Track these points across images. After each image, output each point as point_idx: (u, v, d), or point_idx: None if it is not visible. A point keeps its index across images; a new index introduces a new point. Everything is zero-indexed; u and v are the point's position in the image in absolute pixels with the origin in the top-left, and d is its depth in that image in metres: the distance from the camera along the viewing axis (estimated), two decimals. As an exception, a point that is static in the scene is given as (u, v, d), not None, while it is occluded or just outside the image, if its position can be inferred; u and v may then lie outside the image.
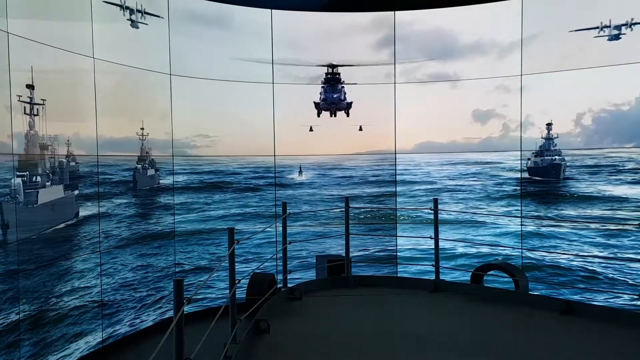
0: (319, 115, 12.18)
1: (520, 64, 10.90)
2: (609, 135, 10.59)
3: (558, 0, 10.82)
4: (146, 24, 9.64)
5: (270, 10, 11.39)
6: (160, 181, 10.48)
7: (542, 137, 11.18)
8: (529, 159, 11.36)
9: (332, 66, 12.11)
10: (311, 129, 12.06)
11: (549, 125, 11.10)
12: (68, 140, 8.27)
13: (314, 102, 12.17)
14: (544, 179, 11.31)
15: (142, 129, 9.90)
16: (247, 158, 11.59)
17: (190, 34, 10.69)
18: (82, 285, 8.32)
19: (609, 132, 10.54)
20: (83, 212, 8.64)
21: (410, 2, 11.89)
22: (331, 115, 12.26)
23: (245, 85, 11.24)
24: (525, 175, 11.34)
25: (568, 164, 11.05)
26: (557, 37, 10.59)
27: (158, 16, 9.91)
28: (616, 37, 9.99)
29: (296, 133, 11.80)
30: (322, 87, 12.16)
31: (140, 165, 10.01)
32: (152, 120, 10.11)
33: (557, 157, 11.12)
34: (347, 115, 12.24)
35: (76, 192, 8.54)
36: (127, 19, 9.33)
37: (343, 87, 12.13)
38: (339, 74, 12.21)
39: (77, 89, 8.44)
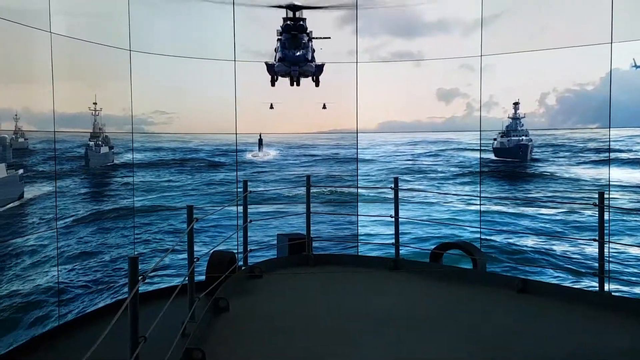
0: (273, 84, 9.70)
1: (480, 45, 10.77)
2: (574, 116, 10.53)
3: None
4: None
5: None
6: (115, 159, 9.91)
7: (508, 117, 11.01)
8: (494, 139, 11.15)
9: (294, 8, 8.91)
10: (271, 107, 10.67)
11: (516, 104, 10.90)
12: (16, 115, 7.78)
13: (266, 65, 9.34)
14: (511, 160, 11.12)
15: (95, 103, 9.30)
16: (207, 136, 11.21)
17: (149, 3, 10.26)
18: (31, 270, 8.02)
19: (574, 112, 10.48)
20: (32, 192, 8.06)
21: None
22: (292, 84, 9.38)
23: (205, 62, 10.88)
24: (491, 156, 11.19)
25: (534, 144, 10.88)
26: (522, 15, 10.42)
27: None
28: None
29: (257, 111, 11.12)
30: (278, 40, 9.05)
31: (92, 143, 9.38)
32: (108, 96, 9.68)
33: (524, 137, 10.90)
34: (317, 84, 9.63)
35: (20, 171, 7.88)
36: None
37: (311, 41, 9.05)
38: (303, 20, 9.03)
39: (31, 63, 8.06)
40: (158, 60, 10.35)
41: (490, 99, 11.04)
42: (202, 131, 11.07)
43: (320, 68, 8.97)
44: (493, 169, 11.34)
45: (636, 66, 10.01)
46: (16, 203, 7.81)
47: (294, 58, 8.63)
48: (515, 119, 11.06)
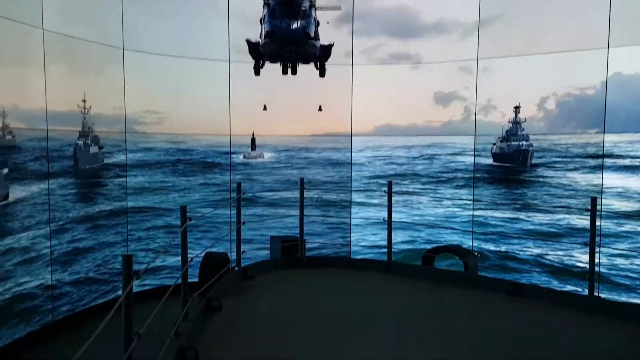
0: (257, 72, 7.38)
1: (477, 48, 10.60)
2: (573, 120, 10.34)
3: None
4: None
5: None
6: (105, 159, 9.59)
7: (508, 121, 10.77)
8: (494, 144, 10.96)
9: None
10: (265, 108, 10.29)
11: (516, 108, 10.66)
12: (3, 112, 7.49)
13: (248, 44, 6.57)
14: (510, 166, 10.85)
15: (84, 101, 8.93)
16: (200, 136, 11.05)
17: (143, 3, 10.20)
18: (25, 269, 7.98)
19: (573, 116, 10.29)
20: (17, 193, 7.70)
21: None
22: (284, 71, 6.65)
23: (199, 62, 10.76)
24: (490, 161, 10.99)
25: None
26: (521, 18, 10.22)
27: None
28: None
29: (249, 110, 10.84)
30: (265, 6, 6.16)
31: (81, 142, 9.04)
32: (99, 94, 9.48)
33: (524, 142, 10.62)
34: (322, 74, 7.08)
35: (5, 170, 7.46)
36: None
37: (314, 10, 6.06)
38: None
39: (21, 59, 7.98)
40: (151, 59, 10.25)
41: (488, 103, 10.81)
42: (194, 131, 10.87)
43: (327, 50, 6.27)
44: (490, 174, 11.21)
45: None
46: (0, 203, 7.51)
47: (288, 33, 5.74)
48: (516, 123, 10.83)
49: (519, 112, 10.77)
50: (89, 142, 9.22)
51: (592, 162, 10.25)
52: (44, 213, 8.26)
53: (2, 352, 7.10)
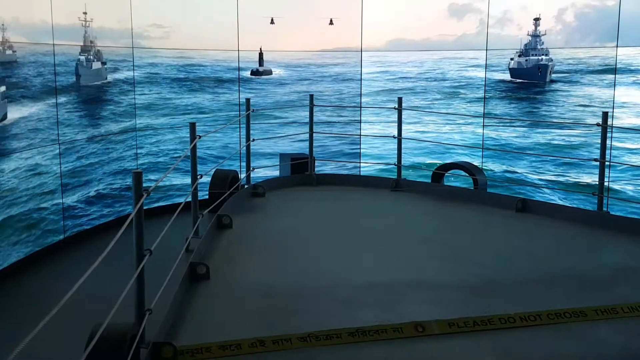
0: None
1: None
2: (592, 33, 9.77)
3: None
4: None
5: None
6: (109, 76, 9.12)
7: (527, 34, 10.17)
8: (511, 59, 10.42)
9: None
10: (272, 22, 10.12)
11: (536, 20, 10.06)
12: (3, 25, 7.09)
13: None
14: (528, 82, 10.32)
15: (85, 13, 8.34)
16: (207, 52, 10.73)
17: None
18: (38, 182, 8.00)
19: (592, 29, 9.70)
20: (15, 113, 7.33)
21: None
22: None
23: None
24: (507, 77, 10.52)
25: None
26: None
27: None
28: None
29: (256, 25, 10.44)
30: None
31: (84, 57, 8.48)
32: (103, 6, 8.94)
33: (544, 56, 10.00)
34: None
35: (2, 88, 7.05)
36: None
37: None
38: None
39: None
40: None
41: (504, 15, 10.22)
42: (200, 47, 10.51)
43: None
44: (505, 91, 10.76)
45: None
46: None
47: None
48: (535, 36, 10.15)
49: (538, 25, 10.14)
50: (91, 57, 8.74)
51: (611, 77, 9.82)
52: (47, 132, 8.13)
53: (12, 269, 7.30)
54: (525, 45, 10.32)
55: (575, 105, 10.48)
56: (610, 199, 7.82)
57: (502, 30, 10.35)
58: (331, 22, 10.31)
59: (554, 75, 10.43)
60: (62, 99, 8.31)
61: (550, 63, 10.14)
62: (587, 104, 10.36)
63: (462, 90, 11.42)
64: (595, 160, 6.56)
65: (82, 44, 8.53)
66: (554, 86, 10.57)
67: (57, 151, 8.26)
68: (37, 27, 7.88)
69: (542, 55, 10.16)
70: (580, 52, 10.20)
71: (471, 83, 11.14)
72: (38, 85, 7.96)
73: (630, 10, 9.25)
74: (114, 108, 9.46)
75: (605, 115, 6.44)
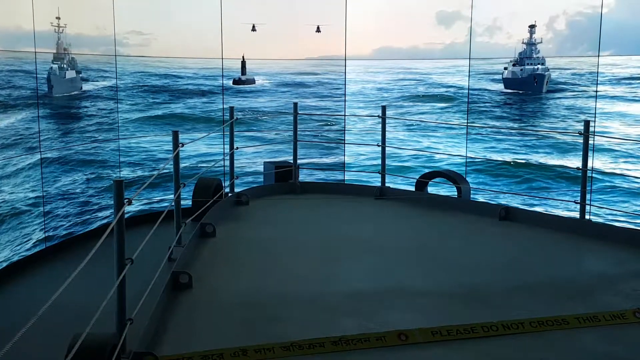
0: None
1: None
2: (584, 42, 9.44)
3: None
4: None
5: None
6: (84, 86, 8.48)
7: (522, 42, 9.80)
8: (505, 69, 10.06)
9: None
10: (254, 28, 9.81)
11: (531, 27, 9.72)
12: None
13: None
14: (523, 92, 9.91)
15: (58, 18, 7.65)
16: (189, 60, 10.49)
17: None
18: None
19: (584, 37, 9.38)
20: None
21: None
22: None
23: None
24: (500, 87, 10.25)
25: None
26: None
27: None
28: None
29: (237, 33, 10.11)
30: None
31: (56, 66, 7.93)
32: (80, 13, 8.41)
33: (539, 65, 9.59)
34: None
35: None
36: None
37: None
38: None
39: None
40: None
41: (493, 23, 10.00)
42: (181, 55, 10.22)
43: None
44: (497, 102, 10.50)
45: None
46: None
47: None
48: (530, 44, 9.87)
49: (534, 32, 9.86)
50: (65, 65, 8.15)
51: (610, 88, 9.50)
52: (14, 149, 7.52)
53: None
54: (520, 53, 10.01)
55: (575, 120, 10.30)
56: (593, 207, 7.87)
57: (491, 39, 10.17)
58: (318, 30, 10.10)
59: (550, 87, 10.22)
60: (32, 112, 7.65)
61: (546, 73, 9.83)
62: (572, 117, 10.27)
63: (448, 99, 11.38)
64: (578, 168, 6.63)
65: (55, 51, 7.91)
66: (553, 97, 10.37)
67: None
68: (10, 34, 7.41)
69: (538, 64, 9.85)
70: (572, 62, 9.96)
71: (459, 92, 10.98)
72: (4, 96, 7.30)
73: (623, 17, 9.07)
74: (88, 120, 8.97)
75: (587, 124, 6.50)
